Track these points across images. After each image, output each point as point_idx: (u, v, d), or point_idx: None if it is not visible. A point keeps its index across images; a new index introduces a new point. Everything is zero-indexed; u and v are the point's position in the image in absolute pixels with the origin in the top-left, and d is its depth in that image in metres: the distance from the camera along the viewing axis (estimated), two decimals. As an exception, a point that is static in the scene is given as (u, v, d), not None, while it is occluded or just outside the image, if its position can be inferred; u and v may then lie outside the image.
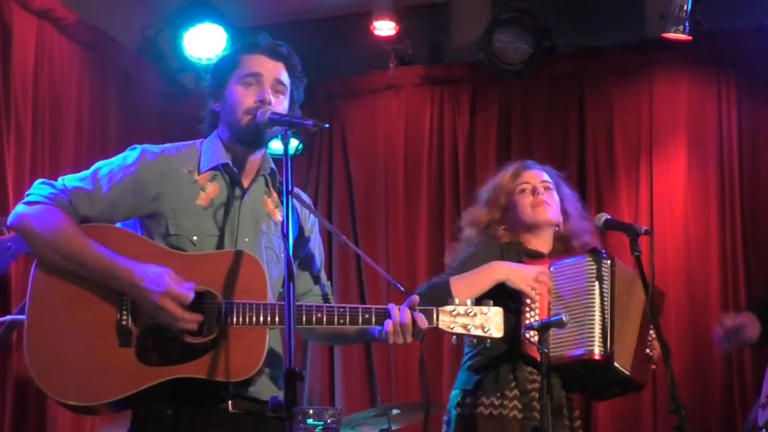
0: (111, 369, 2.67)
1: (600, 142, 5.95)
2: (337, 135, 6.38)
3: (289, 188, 2.64)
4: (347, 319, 2.79)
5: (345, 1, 6.21)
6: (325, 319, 2.78)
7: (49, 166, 4.99)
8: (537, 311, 3.54)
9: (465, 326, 2.86)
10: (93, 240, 2.72)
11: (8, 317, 3.99)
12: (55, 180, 2.85)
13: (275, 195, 3.00)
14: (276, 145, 5.67)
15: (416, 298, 2.84)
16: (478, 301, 3.38)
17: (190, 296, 2.67)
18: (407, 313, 2.80)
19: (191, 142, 2.99)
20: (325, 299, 3.10)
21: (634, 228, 3.63)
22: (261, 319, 2.71)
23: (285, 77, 2.96)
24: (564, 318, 3.35)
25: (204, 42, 5.76)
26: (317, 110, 6.25)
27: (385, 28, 5.96)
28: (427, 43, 6.39)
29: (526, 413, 3.51)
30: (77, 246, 2.70)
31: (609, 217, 3.73)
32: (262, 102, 2.88)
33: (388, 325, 2.79)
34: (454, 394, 3.67)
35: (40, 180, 2.85)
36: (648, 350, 3.64)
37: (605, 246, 3.85)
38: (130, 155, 2.89)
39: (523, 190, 3.76)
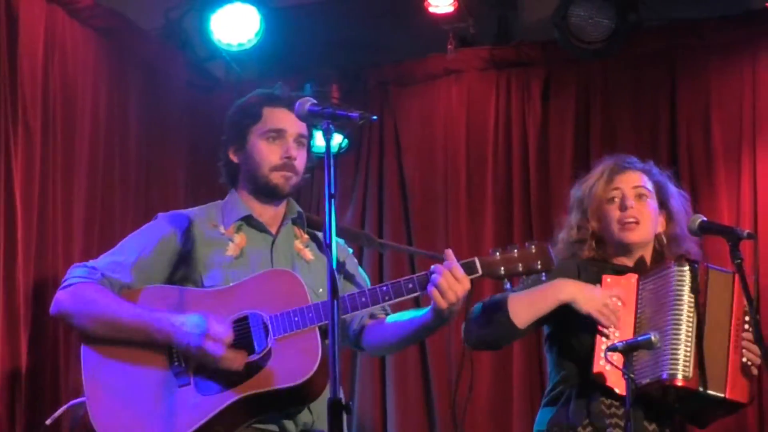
0: (177, 410, 3.08)
1: (695, 132, 5.88)
2: (389, 128, 6.40)
3: (332, 191, 2.74)
4: (392, 294, 3.15)
5: (394, -26, 6.23)
6: (370, 301, 3.14)
7: (61, 171, 5.08)
8: (617, 334, 3.54)
9: (509, 268, 3.18)
10: (127, 301, 3.18)
11: (69, 404, 4.33)
12: (87, 261, 3.33)
13: (305, 236, 3.42)
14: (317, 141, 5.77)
15: (449, 251, 3.14)
16: (539, 323, 3.60)
17: (229, 333, 3.07)
18: (449, 264, 3.10)
19: (213, 203, 3.46)
20: (372, 316, 3.41)
21: (734, 231, 3.61)
22: (306, 320, 3.08)
23: (305, 130, 3.37)
24: (653, 338, 3.36)
25: (235, 25, 5.80)
26: (366, 100, 6.30)
27: (442, 4, 5.95)
28: (492, 21, 6.35)
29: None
30: (113, 312, 3.16)
31: (705, 219, 3.71)
32: (288, 158, 3.30)
33: (437, 279, 3.08)
34: None
35: (74, 264, 3.33)
36: (744, 358, 3.59)
37: (702, 253, 3.81)
38: (156, 222, 3.37)
39: (612, 199, 3.76)
